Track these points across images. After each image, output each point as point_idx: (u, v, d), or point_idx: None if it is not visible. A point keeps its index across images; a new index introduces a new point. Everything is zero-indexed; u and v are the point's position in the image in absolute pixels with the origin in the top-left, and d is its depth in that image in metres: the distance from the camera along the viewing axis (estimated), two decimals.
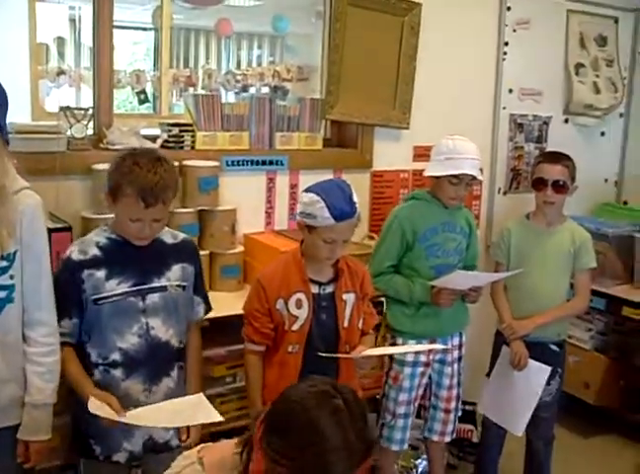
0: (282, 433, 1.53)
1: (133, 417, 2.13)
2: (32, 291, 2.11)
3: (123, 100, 5.25)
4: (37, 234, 2.11)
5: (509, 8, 4.04)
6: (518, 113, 4.20)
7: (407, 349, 2.95)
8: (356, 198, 2.39)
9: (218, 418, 2.11)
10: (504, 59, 4.08)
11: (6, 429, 2.13)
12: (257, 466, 1.57)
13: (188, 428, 2.40)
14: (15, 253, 2.05)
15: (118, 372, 2.27)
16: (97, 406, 2.11)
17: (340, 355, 2.45)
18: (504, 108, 4.15)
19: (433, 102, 3.76)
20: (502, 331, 3.20)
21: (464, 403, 3.22)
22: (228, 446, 1.71)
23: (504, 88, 4.12)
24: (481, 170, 2.93)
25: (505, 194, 4.24)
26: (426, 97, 3.73)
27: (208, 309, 2.54)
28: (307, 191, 2.43)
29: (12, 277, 2.06)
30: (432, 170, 2.93)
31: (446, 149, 2.89)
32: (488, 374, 3.32)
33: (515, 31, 4.09)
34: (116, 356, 2.27)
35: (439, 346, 2.91)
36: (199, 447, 1.79)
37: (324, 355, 2.38)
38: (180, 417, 2.20)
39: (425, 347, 2.92)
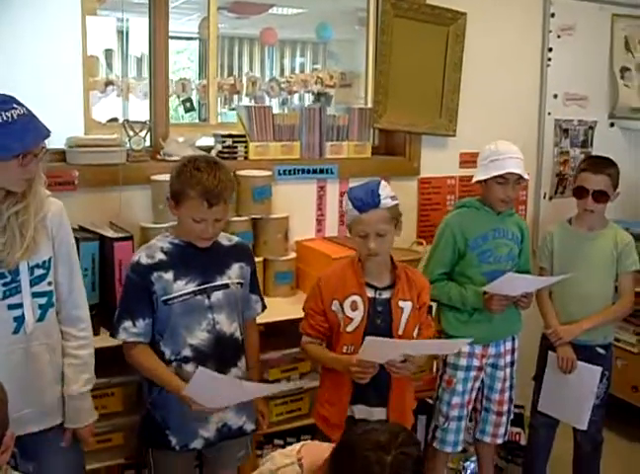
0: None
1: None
2: (67, 292, 2.26)
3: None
4: (65, 237, 2.25)
5: (552, 14, 4.07)
6: (563, 118, 4.22)
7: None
8: (384, 192, 2.46)
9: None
10: (548, 65, 4.11)
11: (59, 426, 2.26)
12: None
13: (263, 416, 2.64)
14: (50, 259, 2.18)
15: (189, 367, 2.40)
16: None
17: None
18: (549, 113, 4.17)
19: (478, 109, 3.81)
20: (548, 336, 3.22)
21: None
22: (327, 449, 1.78)
23: (549, 93, 4.14)
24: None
25: (550, 199, 4.26)
26: (472, 104, 3.78)
27: (264, 307, 2.70)
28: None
29: (50, 284, 2.19)
30: (478, 175, 3.01)
31: (489, 152, 2.97)
32: (534, 378, 3.36)
33: (559, 36, 4.11)
34: (187, 352, 2.41)
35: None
36: (298, 446, 1.90)
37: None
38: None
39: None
